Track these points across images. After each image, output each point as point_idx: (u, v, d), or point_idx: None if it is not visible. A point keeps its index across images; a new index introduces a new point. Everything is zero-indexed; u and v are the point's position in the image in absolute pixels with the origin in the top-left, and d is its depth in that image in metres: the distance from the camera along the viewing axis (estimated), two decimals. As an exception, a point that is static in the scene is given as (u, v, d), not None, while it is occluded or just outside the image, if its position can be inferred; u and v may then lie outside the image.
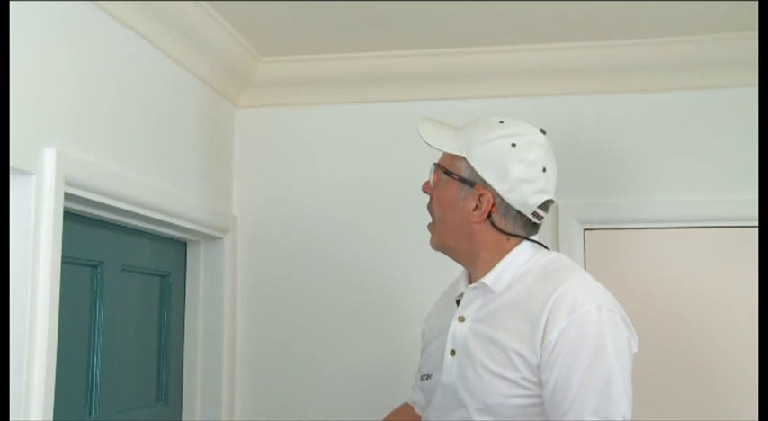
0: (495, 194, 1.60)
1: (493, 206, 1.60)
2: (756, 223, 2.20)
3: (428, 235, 1.69)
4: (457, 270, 1.73)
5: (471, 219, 1.61)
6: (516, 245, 1.62)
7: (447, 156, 1.65)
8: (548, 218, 2.48)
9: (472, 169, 1.61)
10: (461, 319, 1.61)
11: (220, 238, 2.50)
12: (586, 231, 2.46)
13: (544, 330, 1.48)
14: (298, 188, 2.61)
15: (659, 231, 2.44)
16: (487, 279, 1.59)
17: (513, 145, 1.60)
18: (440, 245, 1.67)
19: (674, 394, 2.36)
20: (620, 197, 2.45)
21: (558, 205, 2.44)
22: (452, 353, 1.60)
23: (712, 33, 2.32)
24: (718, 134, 2.42)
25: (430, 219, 1.69)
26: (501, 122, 1.65)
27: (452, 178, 1.62)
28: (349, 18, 2.24)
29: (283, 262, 2.58)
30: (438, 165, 1.66)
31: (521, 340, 1.50)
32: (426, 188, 1.68)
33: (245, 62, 2.50)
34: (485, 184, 1.60)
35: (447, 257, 1.70)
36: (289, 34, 2.37)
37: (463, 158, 1.62)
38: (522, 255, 1.61)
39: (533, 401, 1.50)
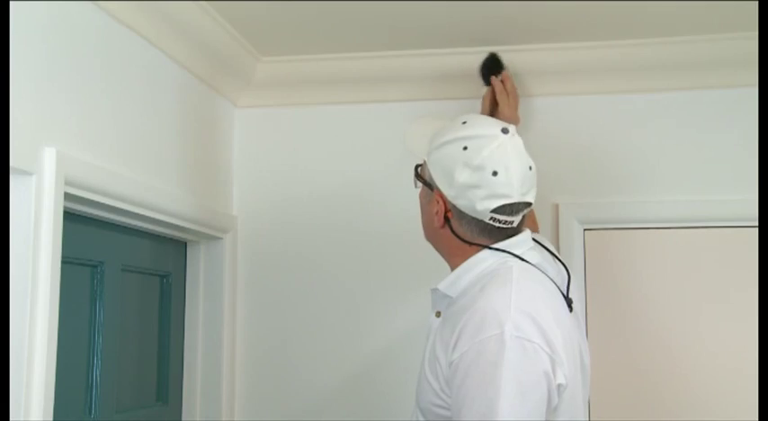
0: (447, 200, 1.57)
1: (448, 211, 1.57)
2: (756, 223, 2.20)
3: None
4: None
5: (434, 223, 1.60)
6: (477, 252, 1.58)
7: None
8: (548, 218, 2.50)
9: (430, 173, 1.61)
10: (438, 315, 1.61)
11: (220, 238, 2.50)
12: (586, 231, 2.46)
13: (453, 349, 1.45)
14: (298, 188, 2.60)
15: (659, 231, 2.44)
16: (441, 284, 1.60)
17: (465, 148, 1.54)
18: (430, 243, 1.69)
19: (673, 394, 2.36)
20: (620, 197, 2.45)
21: (558, 205, 2.44)
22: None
23: (712, 33, 2.32)
24: (718, 134, 2.42)
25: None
26: (464, 123, 1.60)
27: (420, 182, 1.65)
28: (349, 18, 2.24)
29: (283, 262, 2.58)
30: (415, 169, 1.68)
31: (443, 352, 1.48)
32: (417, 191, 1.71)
33: (245, 62, 2.50)
34: (439, 189, 1.58)
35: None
36: (289, 34, 2.37)
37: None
38: (481, 265, 1.56)
39: (449, 413, 1.47)
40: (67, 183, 1.67)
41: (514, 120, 2.24)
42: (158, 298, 2.34)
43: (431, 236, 1.67)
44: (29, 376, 1.54)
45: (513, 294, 1.45)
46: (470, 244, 1.57)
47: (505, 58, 2.38)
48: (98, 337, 1.97)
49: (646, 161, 2.45)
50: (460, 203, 1.55)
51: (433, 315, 1.62)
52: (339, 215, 2.57)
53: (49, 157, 1.61)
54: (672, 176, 2.43)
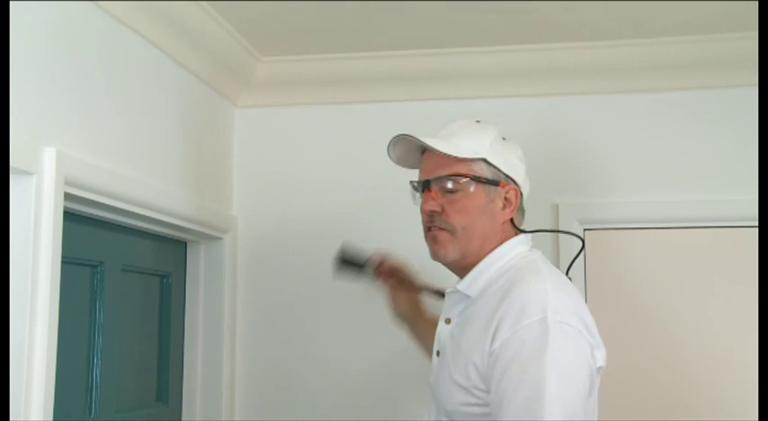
0: (518, 188, 1.62)
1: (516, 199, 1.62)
2: (756, 223, 2.20)
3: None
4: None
5: (501, 218, 1.60)
6: (513, 237, 1.61)
7: (454, 164, 1.57)
8: (548, 218, 2.50)
9: (494, 168, 1.59)
10: (448, 321, 1.61)
11: (220, 238, 2.50)
12: (586, 231, 2.45)
13: (492, 339, 1.44)
14: (298, 188, 2.60)
15: (659, 231, 2.44)
16: (460, 285, 1.59)
17: (504, 138, 1.65)
18: (460, 255, 1.59)
19: (673, 394, 2.36)
20: (620, 197, 2.45)
21: (558, 205, 2.44)
22: (438, 353, 1.61)
23: (712, 33, 2.32)
24: (718, 134, 2.42)
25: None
26: (478, 122, 1.65)
27: (479, 183, 1.57)
28: (349, 18, 2.24)
29: (283, 262, 2.58)
30: (451, 177, 1.58)
31: (475, 348, 1.48)
32: (435, 207, 1.59)
33: (245, 62, 2.50)
34: (507, 180, 1.60)
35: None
36: (289, 34, 2.37)
37: (480, 161, 1.57)
38: (504, 257, 1.57)
39: (484, 410, 1.47)
40: (67, 183, 1.67)
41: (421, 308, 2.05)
42: (158, 298, 2.34)
43: (483, 238, 1.58)
44: (29, 376, 1.54)
45: (548, 282, 1.48)
46: (518, 231, 1.63)
47: (506, 58, 2.37)
48: (98, 337, 1.97)
49: (646, 161, 2.45)
50: (525, 189, 1.65)
51: (442, 322, 1.61)
52: (339, 215, 2.57)
53: (48, 157, 1.61)
54: (672, 176, 2.43)
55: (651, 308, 2.39)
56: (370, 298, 2.52)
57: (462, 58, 2.47)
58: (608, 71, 2.45)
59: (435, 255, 1.61)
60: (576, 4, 2.13)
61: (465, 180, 1.57)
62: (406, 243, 2.48)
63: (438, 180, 1.59)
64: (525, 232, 1.64)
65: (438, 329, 1.62)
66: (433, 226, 1.60)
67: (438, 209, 1.58)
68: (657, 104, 2.46)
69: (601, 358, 1.47)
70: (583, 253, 2.42)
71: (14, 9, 1.53)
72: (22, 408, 1.52)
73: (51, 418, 1.60)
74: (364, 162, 2.58)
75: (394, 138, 1.64)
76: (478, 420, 1.48)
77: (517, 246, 1.60)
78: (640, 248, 2.44)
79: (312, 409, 2.51)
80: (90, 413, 1.94)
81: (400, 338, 2.47)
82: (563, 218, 2.44)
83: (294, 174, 2.61)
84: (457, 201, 1.58)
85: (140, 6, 1.97)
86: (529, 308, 1.43)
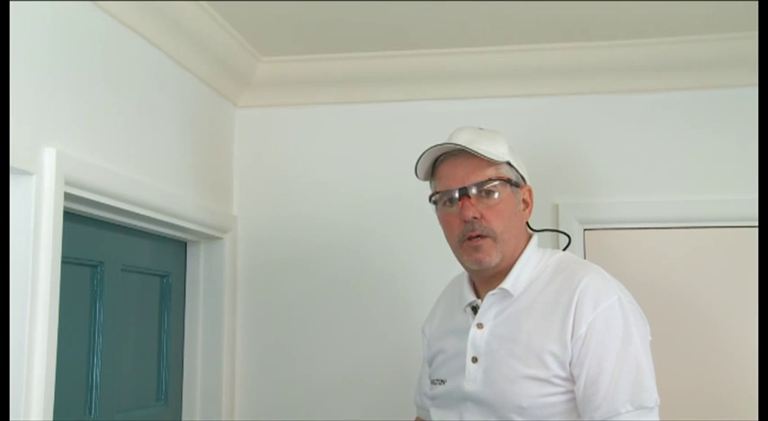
0: (532, 188, 1.70)
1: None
2: (756, 223, 2.20)
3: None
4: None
5: (524, 219, 1.69)
6: (527, 243, 1.66)
7: (484, 170, 1.60)
8: (548, 218, 2.50)
9: (516, 170, 1.66)
10: (480, 326, 1.61)
11: (220, 238, 2.50)
12: (586, 231, 2.46)
13: (573, 326, 1.51)
14: (298, 188, 2.61)
15: (659, 231, 2.44)
16: (506, 284, 1.60)
17: (509, 145, 1.69)
18: (500, 259, 1.61)
19: (673, 394, 2.35)
20: (620, 197, 2.45)
21: (558, 205, 2.44)
22: (474, 360, 1.60)
23: (712, 33, 2.32)
24: (718, 134, 2.42)
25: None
26: (481, 129, 1.70)
27: (511, 185, 1.63)
28: (349, 18, 2.24)
29: (283, 261, 2.58)
30: (490, 181, 1.60)
31: (549, 338, 1.52)
32: (477, 213, 1.59)
33: (245, 62, 2.50)
34: (524, 182, 1.68)
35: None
36: (289, 34, 2.37)
37: (504, 164, 1.63)
38: (532, 257, 1.64)
39: (566, 398, 1.52)
40: (67, 183, 1.67)
41: None
42: (158, 298, 2.34)
43: (517, 238, 1.64)
44: (29, 376, 1.54)
45: (601, 269, 1.61)
46: (532, 231, 1.71)
47: (506, 58, 2.38)
48: (98, 337, 1.97)
49: (646, 161, 2.45)
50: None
51: (474, 328, 1.61)
52: (339, 215, 2.57)
53: (48, 157, 1.61)
54: (672, 176, 2.43)
55: (650, 308, 2.38)
56: (370, 297, 2.53)
57: (462, 58, 2.47)
58: (608, 71, 2.45)
59: (478, 263, 1.61)
60: (576, 5, 2.13)
61: (499, 183, 1.60)
62: (406, 242, 2.49)
63: (479, 185, 1.60)
64: (536, 231, 1.74)
65: (470, 336, 1.61)
66: (473, 235, 1.60)
67: (478, 215, 1.59)
68: (657, 104, 2.46)
69: (649, 334, 1.59)
70: (583, 253, 2.45)
71: (15, 9, 1.53)
72: (22, 408, 1.52)
73: (51, 418, 1.60)
74: (364, 162, 2.58)
75: (429, 149, 1.62)
76: (558, 409, 1.52)
77: (536, 251, 1.67)
78: (640, 248, 2.44)
79: (312, 409, 2.51)
80: (90, 413, 1.94)
81: (400, 339, 2.47)
82: (563, 218, 2.44)
83: (294, 174, 2.61)
84: (493, 205, 1.60)
85: (141, 6, 1.97)
86: (602, 292, 1.53)
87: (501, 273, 1.62)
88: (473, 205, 1.59)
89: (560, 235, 2.42)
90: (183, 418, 2.42)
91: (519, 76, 2.49)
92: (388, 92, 2.57)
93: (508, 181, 1.62)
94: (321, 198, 2.59)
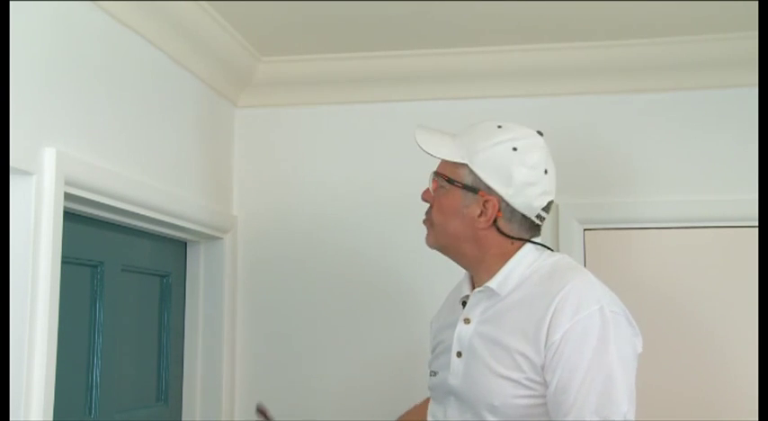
0: (501, 199, 1.60)
1: (498, 211, 1.60)
2: (756, 223, 2.20)
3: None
4: (456, 268, 1.73)
5: (477, 225, 1.61)
6: (520, 247, 1.63)
7: (447, 163, 1.65)
8: (548, 218, 2.50)
9: (475, 176, 1.61)
10: (467, 321, 1.62)
11: (220, 238, 2.50)
12: (586, 231, 2.46)
13: (548, 331, 1.48)
14: (298, 188, 2.61)
15: (659, 231, 2.44)
16: (493, 283, 1.60)
17: (515, 149, 1.62)
18: (437, 246, 1.68)
19: (673, 394, 2.36)
20: (620, 197, 2.45)
21: (558, 205, 2.44)
22: (458, 354, 1.61)
23: (712, 33, 2.32)
24: (718, 134, 2.42)
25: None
26: (499, 127, 1.65)
27: (455, 186, 1.62)
28: (349, 18, 2.24)
29: (283, 262, 2.58)
30: (438, 174, 1.66)
31: (525, 341, 1.51)
32: (427, 196, 1.68)
33: (245, 62, 2.50)
34: (489, 190, 1.60)
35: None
36: (289, 34, 2.37)
37: (465, 166, 1.61)
38: (526, 258, 1.62)
39: (538, 401, 1.51)
40: (67, 183, 1.67)
41: None
42: (158, 298, 2.34)
43: (455, 238, 1.64)
44: (29, 376, 1.54)
45: (591, 276, 1.57)
46: (513, 240, 1.63)
47: (506, 58, 2.37)
48: (98, 337, 1.97)
49: (646, 161, 2.45)
50: (517, 201, 1.61)
51: (461, 323, 1.62)
52: (339, 215, 2.57)
53: (48, 157, 1.61)
54: (671, 176, 2.43)
55: (651, 308, 2.39)
56: (370, 297, 2.53)
57: (462, 58, 2.47)
58: (608, 71, 2.45)
59: (426, 241, 1.71)
60: (576, 5, 2.13)
61: (443, 180, 1.64)
62: (407, 242, 2.49)
63: (434, 174, 1.68)
64: (514, 239, 1.63)
65: (457, 330, 1.62)
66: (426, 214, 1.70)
67: (430, 200, 1.68)
68: (657, 104, 2.46)
69: (640, 345, 1.55)
70: (583, 253, 2.45)
71: (15, 9, 1.53)
72: (22, 408, 1.52)
73: (51, 418, 1.60)
74: (364, 161, 2.58)
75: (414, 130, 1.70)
76: (529, 412, 1.51)
77: (534, 251, 1.64)
78: (640, 248, 2.44)
79: (312, 409, 2.51)
80: (90, 413, 1.94)
81: (401, 339, 2.48)
82: (563, 218, 2.44)
83: (294, 173, 2.61)
84: (438, 198, 1.66)
85: (141, 6, 1.97)
86: (585, 299, 1.50)
87: (488, 271, 1.62)
88: (428, 189, 1.68)
89: (560, 235, 2.43)
90: (183, 418, 2.43)
91: (519, 76, 2.49)
92: (388, 92, 2.57)
93: (451, 180, 1.62)
94: (321, 198, 2.59)
